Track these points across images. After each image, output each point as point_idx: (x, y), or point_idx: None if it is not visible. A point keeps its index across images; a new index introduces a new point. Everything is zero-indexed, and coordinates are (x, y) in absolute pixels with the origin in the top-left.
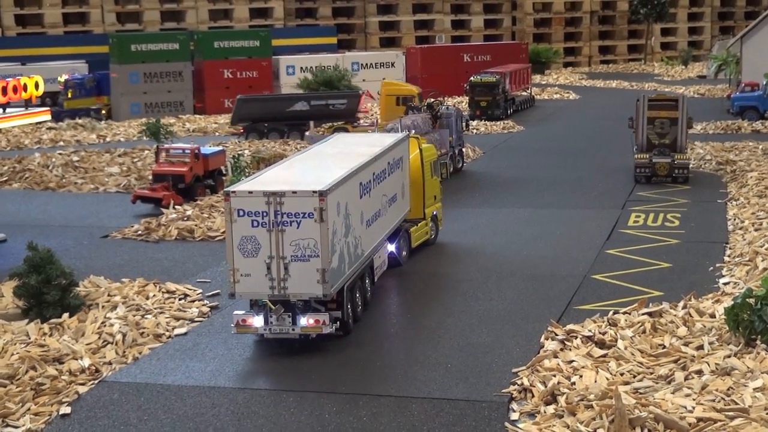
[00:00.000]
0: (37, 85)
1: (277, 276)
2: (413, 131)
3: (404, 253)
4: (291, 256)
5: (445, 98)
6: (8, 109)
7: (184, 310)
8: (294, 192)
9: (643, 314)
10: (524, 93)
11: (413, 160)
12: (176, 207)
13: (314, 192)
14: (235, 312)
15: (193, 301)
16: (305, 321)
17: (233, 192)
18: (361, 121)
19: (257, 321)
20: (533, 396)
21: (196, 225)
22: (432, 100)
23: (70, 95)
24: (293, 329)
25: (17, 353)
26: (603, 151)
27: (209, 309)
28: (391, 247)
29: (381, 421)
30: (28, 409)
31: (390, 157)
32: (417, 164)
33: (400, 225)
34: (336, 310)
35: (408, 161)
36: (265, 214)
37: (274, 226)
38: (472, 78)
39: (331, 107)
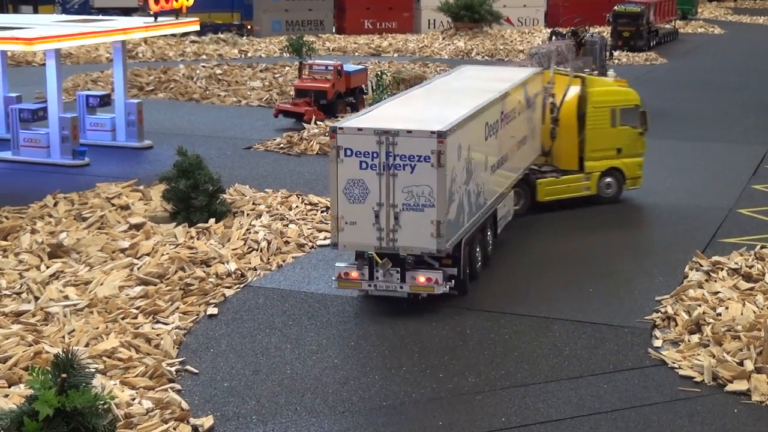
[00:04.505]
0: None
1: (385, 226)
2: (556, 58)
3: (517, 206)
4: (403, 204)
5: (589, 26)
6: (159, 18)
7: (326, 222)
8: (409, 131)
9: None
10: (668, 25)
11: (569, 102)
12: (318, 122)
13: (432, 132)
14: (337, 264)
15: None
16: (415, 279)
17: (340, 128)
18: None
19: (362, 276)
20: (677, 324)
21: None
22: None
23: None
24: (401, 287)
25: (167, 254)
26: (750, 87)
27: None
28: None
29: (523, 339)
30: (177, 308)
31: (523, 94)
32: (570, 107)
33: (527, 173)
34: (451, 267)
35: (540, 99)
36: (375, 155)
37: (385, 170)
38: (615, 7)
39: None
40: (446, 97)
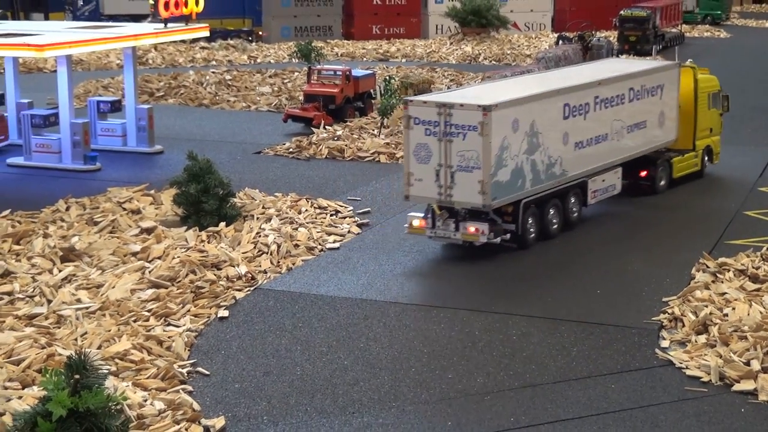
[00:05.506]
0: (197, 1)
1: (444, 183)
2: (562, 62)
3: (662, 182)
4: (457, 165)
5: (595, 31)
6: (169, 24)
7: (335, 225)
8: (461, 105)
9: None
10: (674, 29)
11: (683, 89)
12: (326, 127)
13: (479, 106)
14: (409, 214)
15: (344, 218)
16: (466, 228)
17: (411, 101)
18: None
19: (427, 224)
20: (684, 325)
21: (346, 145)
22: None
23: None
24: (455, 235)
25: (178, 257)
26: (756, 89)
27: (359, 226)
28: (645, 173)
29: (531, 340)
30: (188, 311)
31: (634, 83)
32: (687, 94)
33: (658, 154)
34: (510, 223)
35: (674, 90)
36: (436, 123)
37: (444, 136)
38: (622, 12)
39: None
40: (537, 82)
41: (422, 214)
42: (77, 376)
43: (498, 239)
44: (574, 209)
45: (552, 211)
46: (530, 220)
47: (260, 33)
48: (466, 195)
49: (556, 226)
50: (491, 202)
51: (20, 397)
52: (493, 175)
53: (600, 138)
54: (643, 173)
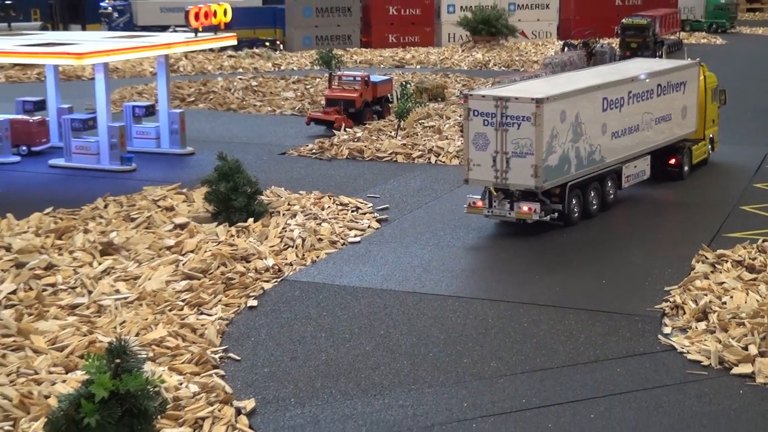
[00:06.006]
0: (225, 12)
1: (500, 168)
2: (567, 67)
3: (686, 168)
4: (512, 152)
5: (599, 38)
6: (199, 34)
7: (356, 221)
8: (516, 98)
9: None
10: (672, 37)
11: (701, 84)
12: (347, 129)
13: (533, 99)
14: (468, 195)
15: (364, 214)
16: (519, 208)
17: (470, 95)
18: None
19: (484, 204)
20: (684, 313)
21: (365, 146)
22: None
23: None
24: (510, 213)
25: (209, 251)
26: (750, 93)
27: (379, 221)
28: (674, 161)
29: (540, 327)
30: (220, 300)
31: (662, 79)
32: (702, 89)
33: (681, 143)
34: (557, 203)
35: (694, 86)
36: (493, 115)
37: (500, 126)
38: (623, 20)
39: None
40: (572, 78)
41: (479, 196)
42: (118, 361)
43: (547, 217)
44: (610, 192)
45: (593, 194)
46: (574, 201)
47: (282, 42)
48: (520, 178)
49: (595, 207)
50: (542, 184)
51: (64, 381)
52: (544, 161)
53: (633, 129)
54: (672, 161)
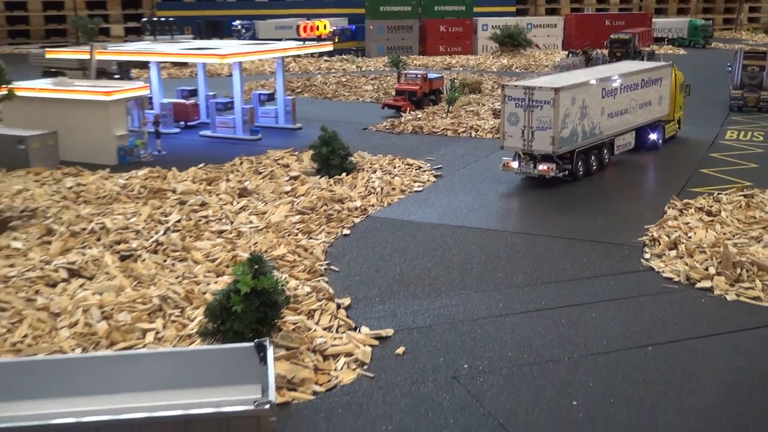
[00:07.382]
0: (325, 27)
1: (527, 138)
2: (571, 69)
3: (660, 141)
4: (536, 126)
5: (594, 48)
6: (306, 42)
7: (418, 176)
8: (540, 87)
9: (739, 195)
10: (646, 48)
11: (673, 80)
12: (411, 112)
13: (552, 88)
14: (503, 158)
15: (424, 171)
16: (541, 167)
17: (506, 85)
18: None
19: (514, 164)
20: (660, 244)
21: (424, 124)
22: (586, 48)
23: (337, 40)
24: (533, 171)
25: (315, 195)
26: (705, 90)
27: (435, 177)
28: (653, 136)
29: (554, 252)
30: (323, 229)
31: (644, 75)
32: (672, 84)
33: (657, 122)
34: (568, 164)
35: (668, 81)
36: (522, 99)
37: (528, 108)
38: (612, 35)
39: None
40: (583, 73)
41: (511, 158)
42: (256, 266)
43: (561, 174)
44: (606, 157)
45: (593, 158)
46: (580, 163)
47: (362, 51)
48: (541, 145)
49: (595, 168)
50: (558, 150)
51: (215, 282)
52: (559, 133)
53: (623, 111)
54: (652, 135)
